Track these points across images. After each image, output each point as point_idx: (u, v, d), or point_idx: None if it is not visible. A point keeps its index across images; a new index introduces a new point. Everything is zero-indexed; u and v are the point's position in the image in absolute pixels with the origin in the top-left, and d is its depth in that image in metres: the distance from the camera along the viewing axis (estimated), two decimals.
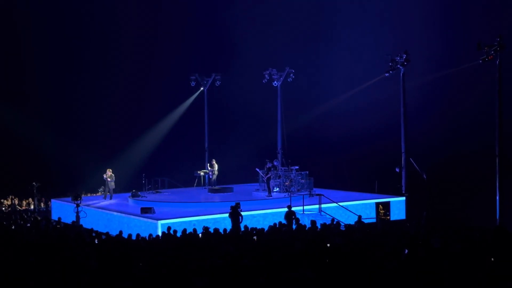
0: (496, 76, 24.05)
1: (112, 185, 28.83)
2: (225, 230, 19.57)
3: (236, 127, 38.14)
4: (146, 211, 24.06)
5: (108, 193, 28.96)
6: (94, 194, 31.94)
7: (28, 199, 32.20)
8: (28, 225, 22.89)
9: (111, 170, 28.92)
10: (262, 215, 24.31)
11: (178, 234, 18.93)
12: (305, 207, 24.78)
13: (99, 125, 37.14)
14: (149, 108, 38.06)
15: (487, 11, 32.56)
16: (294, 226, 20.97)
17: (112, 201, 28.33)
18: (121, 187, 31.62)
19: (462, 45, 31.25)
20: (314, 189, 28.50)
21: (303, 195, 25.78)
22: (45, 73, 35.96)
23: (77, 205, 23.39)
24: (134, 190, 28.73)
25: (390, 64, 29.18)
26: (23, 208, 30.59)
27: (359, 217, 22.24)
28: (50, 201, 30.49)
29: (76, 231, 20.06)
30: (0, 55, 35.90)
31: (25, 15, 35.41)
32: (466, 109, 32.11)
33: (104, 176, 28.82)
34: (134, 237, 19.20)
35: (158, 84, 38.38)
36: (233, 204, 22.10)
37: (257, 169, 29.27)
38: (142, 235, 20.14)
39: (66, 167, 35.12)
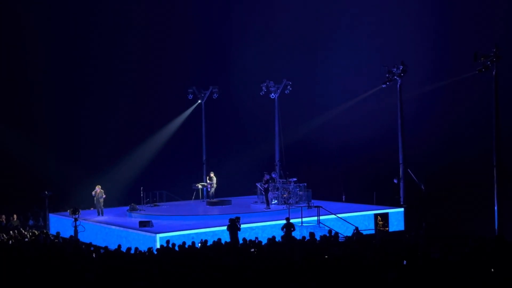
0: (493, 87, 24.13)
1: (102, 201, 27.99)
2: (224, 242, 19.53)
3: (234, 140, 38.13)
4: (144, 224, 23.99)
5: (99, 208, 28.06)
6: (89, 209, 31.36)
7: (26, 214, 31.97)
8: (26, 240, 22.78)
9: (100, 186, 28.29)
10: (260, 228, 24.24)
11: (177, 247, 18.87)
12: (304, 219, 24.72)
13: (96, 138, 37.06)
14: (147, 121, 38.01)
15: (483, 23, 32.72)
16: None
17: (111, 216, 28.04)
18: (119, 201, 31.44)
19: (459, 56, 31.36)
20: (313, 200, 28.45)
21: (301, 207, 25.73)
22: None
23: (75, 219, 23.29)
24: (132, 204, 28.59)
25: (387, 75, 29.24)
26: (17, 223, 30.17)
27: (356, 228, 22.21)
28: (48, 215, 30.29)
29: (74, 245, 19.99)
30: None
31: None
32: (463, 119, 32.20)
33: (93, 193, 28.04)
34: (132, 251, 19.14)
35: (156, 97, 38.35)
36: (233, 217, 22.08)
37: (257, 184, 29.27)
38: (140, 249, 20.08)
39: (63, 180, 34.89)
